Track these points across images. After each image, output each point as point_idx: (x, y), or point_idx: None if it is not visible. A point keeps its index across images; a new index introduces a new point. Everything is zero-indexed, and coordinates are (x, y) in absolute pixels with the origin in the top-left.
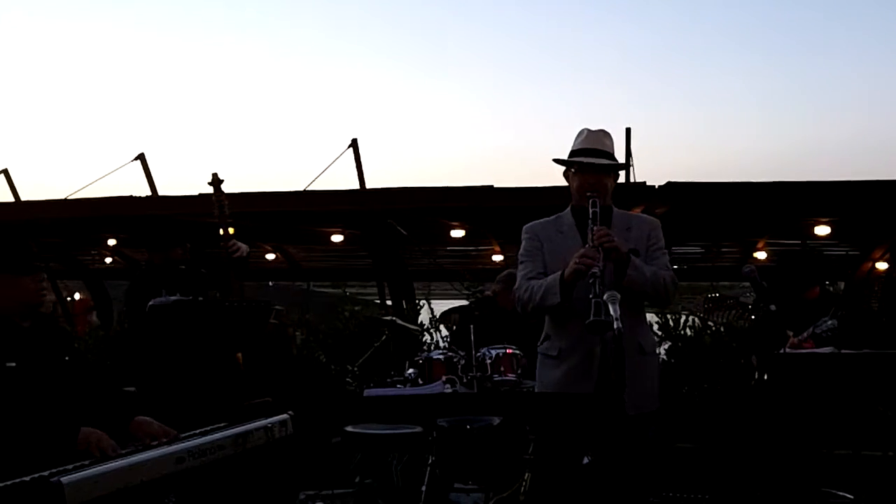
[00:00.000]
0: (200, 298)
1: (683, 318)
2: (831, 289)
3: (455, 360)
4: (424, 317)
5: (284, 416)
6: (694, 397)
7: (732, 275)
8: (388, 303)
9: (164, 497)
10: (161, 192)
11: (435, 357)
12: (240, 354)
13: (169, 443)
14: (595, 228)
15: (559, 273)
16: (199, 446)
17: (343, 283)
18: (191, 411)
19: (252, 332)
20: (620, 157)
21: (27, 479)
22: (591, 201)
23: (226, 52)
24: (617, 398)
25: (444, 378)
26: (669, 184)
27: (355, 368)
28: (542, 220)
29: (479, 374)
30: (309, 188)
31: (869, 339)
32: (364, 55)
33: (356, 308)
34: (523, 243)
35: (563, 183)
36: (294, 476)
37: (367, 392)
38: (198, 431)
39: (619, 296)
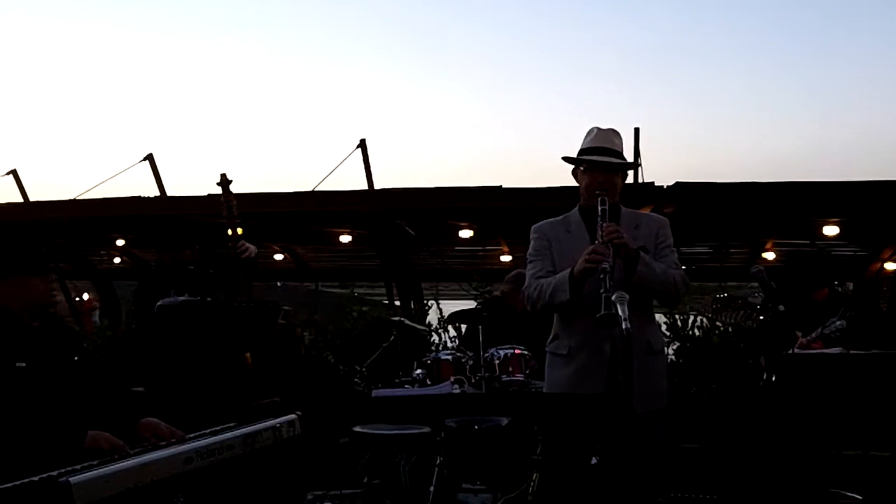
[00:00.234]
0: (209, 299)
1: (692, 318)
2: (840, 289)
3: (463, 360)
4: (433, 317)
5: (292, 416)
6: (702, 398)
7: (741, 275)
8: (397, 303)
9: (172, 497)
10: (169, 192)
11: (443, 357)
12: (248, 355)
13: (177, 443)
14: (604, 225)
15: (568, 270)
16: (207, 446)
17: (351, 284)
18: (199, 411)
19: (260, 333)
20: (629, 156)
21: (35, 478)
22: (599, 199)
23: (233, 52)
24: (625, 399)
25: (452, 378)
26: (678, 184)
27: (363, 369)
28: (549, 220)
29: (487, 374)
30: (317, 189)
31: (877, 339)
32: (364, 55)
33: (364, 308)
34: (532, 243)
35: (571, 183)
36: (302, 476)
37: (375, 392)
38: (206, 431)
39: (627, 296)
